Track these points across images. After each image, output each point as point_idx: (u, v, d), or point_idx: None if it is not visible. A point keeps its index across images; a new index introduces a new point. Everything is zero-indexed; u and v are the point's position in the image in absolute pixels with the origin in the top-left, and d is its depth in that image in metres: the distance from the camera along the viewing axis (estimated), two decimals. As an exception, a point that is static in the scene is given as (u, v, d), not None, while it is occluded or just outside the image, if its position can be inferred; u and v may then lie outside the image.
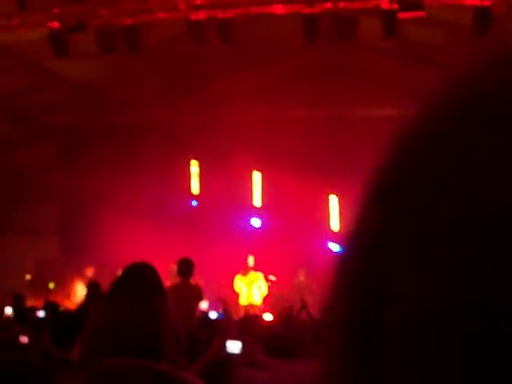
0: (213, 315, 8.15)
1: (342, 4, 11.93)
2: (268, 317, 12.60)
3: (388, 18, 11.84)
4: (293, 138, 17.42)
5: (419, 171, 0.52)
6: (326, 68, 16.35)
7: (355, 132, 17.55)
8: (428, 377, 0.47)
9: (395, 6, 11.65)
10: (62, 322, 7.61)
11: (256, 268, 16.46)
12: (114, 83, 16.56)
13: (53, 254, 18.81)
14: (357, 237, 0.56)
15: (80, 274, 17.04)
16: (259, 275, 16.16)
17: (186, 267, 10.14)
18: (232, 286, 15.93)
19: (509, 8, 11.36)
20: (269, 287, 16.38)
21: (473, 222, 0.47)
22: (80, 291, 16.12)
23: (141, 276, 5.06)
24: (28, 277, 17.62)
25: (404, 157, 0.54)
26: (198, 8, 12.38)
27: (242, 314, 12.64)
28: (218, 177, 17.30)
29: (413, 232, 0.50)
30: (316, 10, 12.03)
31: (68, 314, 8.14)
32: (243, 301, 15.28)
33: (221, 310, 12.32)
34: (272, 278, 16.94)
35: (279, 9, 12.45)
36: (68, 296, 16.36)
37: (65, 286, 16.63)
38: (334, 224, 18.17)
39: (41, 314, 7.61)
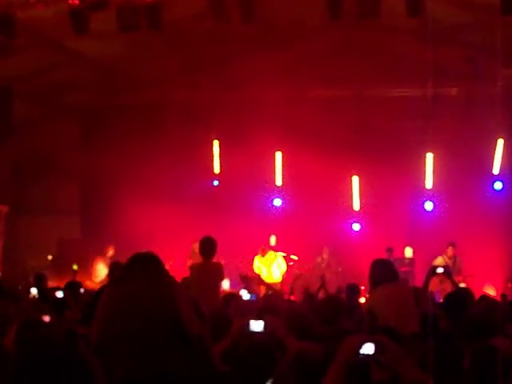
0: (245, 296, 8.31)
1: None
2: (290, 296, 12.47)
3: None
4: (314, 117, 17.31)
5: None
6: (349, 47, 16.26)
7: (378, 111, 17.44)
8: None
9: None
10: (85, 301, 7.74)
11: (277, 248, 16.51)
12: (135, 61, 16.47)
13: (74, 234, 18.87)
14: None
15: (101, 254, 17.11)
16: (278, 254, 16.15)
17: (207, 246, 10.11)
18: (252, 266, 15.97)
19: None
20: (289, 266, 16.39)
21: None
22: (101, 271, 16.31)
23: (146, 263, 5.21)
24: (49, 257, 17.62)
25: None
26: (220, -15, 12.18)
27: (262, 293, 12.41)
28: (240, 156, 17.18)
29: None
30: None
31: (90, 293, 8.41)
32: (264, 279, 14.84)
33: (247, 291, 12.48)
34: (294, 257, 16.97)
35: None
36: (90, 276, 16.42)
37: (87, 266, 16.63)
38: (356, 203, 18.06)
39: (60, 294, 7.59)
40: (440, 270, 8.84)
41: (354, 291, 10.23)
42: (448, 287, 9.78)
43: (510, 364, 4.64)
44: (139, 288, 5.03)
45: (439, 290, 12.13)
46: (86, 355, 2.87)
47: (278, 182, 18.29)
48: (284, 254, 16.46)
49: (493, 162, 16.89)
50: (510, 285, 15.74)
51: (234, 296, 8.60)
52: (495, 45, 11.83)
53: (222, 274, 10.05)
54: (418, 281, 14.11)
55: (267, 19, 14.03)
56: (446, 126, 16.82)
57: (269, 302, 7.24)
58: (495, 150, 16.82)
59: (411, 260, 16.74)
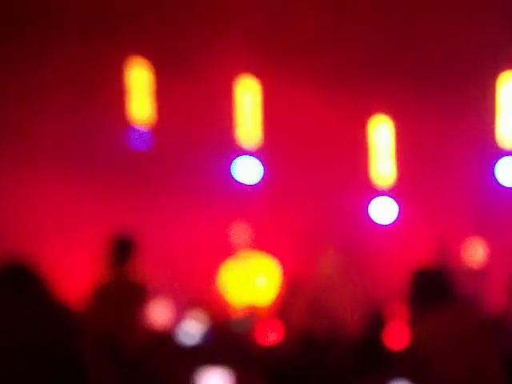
0: (188, 335, 8.04)
1: None
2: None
3: None
4: (310, 24, 13.45)
5: None
6: None
7: (421, 8, 13.41)
8: None
9: None
10: None
11: (254, 246, 13.41)
12: None
13: None
14: None
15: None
16: (263, 258, 13.38)
17: (121, 249, 8.66)
18: (213, 278, 12.90)
19: None
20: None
21: None
22: None
23: (20, 279, 4.93)
24: None
25: None
26: None
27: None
28: (184, 92, 13.04)
29: None
30: None
31: None
32: (237, 301, 12.61)
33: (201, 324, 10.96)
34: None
35: None
36: None
37: None
38: (382, 167, 13.48)
39: None
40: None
41: (378, 324, 9.28)
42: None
43: None
44: (10, 317, 4.84)
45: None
46: None
47: (250, 135, 13.56)
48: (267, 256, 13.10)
49: None
50: None
51: (165, 340, 8.52)
52: None
53: (143, 293, 8.63)
54: (495, 301, 11.68)
55: None
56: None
57: (233, 344, 7.09)
58: None
59: (482, 266, 12.82)
